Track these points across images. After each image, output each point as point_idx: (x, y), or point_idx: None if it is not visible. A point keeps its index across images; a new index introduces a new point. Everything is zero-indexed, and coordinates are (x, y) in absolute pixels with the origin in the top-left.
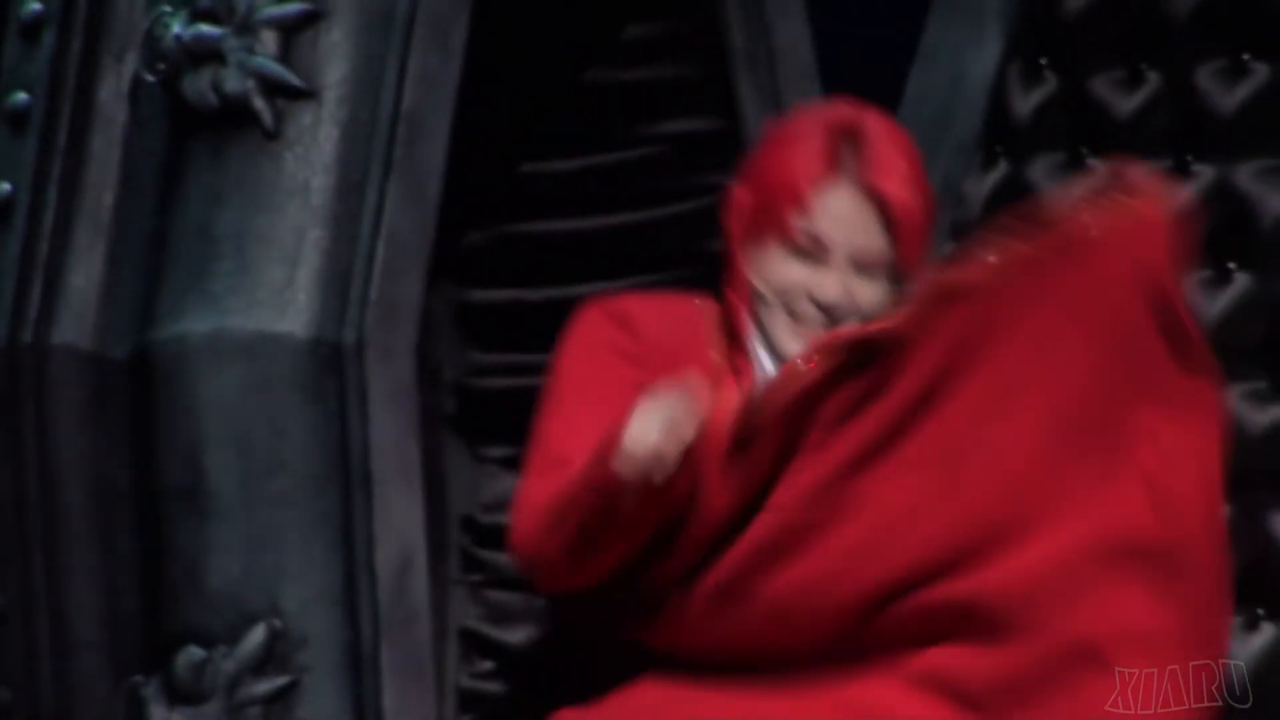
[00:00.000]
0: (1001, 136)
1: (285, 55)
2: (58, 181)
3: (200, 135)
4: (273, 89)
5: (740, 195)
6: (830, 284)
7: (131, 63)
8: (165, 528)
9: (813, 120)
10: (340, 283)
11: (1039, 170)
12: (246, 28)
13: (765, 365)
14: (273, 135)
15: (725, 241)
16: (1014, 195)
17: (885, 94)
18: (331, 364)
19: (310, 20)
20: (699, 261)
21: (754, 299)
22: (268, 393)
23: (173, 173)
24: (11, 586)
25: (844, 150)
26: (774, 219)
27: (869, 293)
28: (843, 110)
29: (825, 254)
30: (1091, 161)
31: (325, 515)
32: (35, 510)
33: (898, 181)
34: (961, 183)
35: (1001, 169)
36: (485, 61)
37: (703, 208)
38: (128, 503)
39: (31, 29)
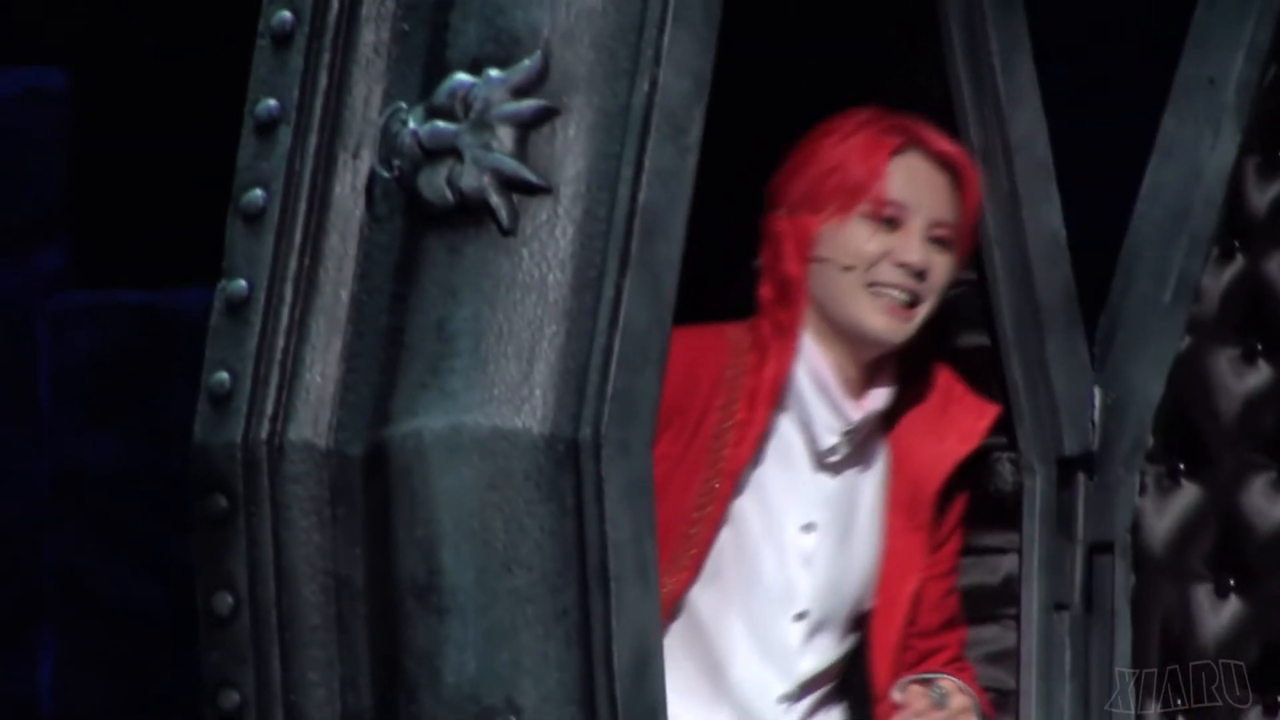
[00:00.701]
0: (1238, 230)
1: (521, 152)
2: (294, 278)
3: (436, 231)
4: (509, 185)
5: (791, 186)
6: (912, 245)
7: (367, 159)
8: (401, 624)
9: (856, 115)
10: (576, 378)
11: (1276, 264)
12: (483, 124)
13: (805, 386)
14: (509, 231)
15: (770, 243)
16: (1251, 290)
17: (1121, 189)
18: (568, 460)
19: (546, 116)
20: (940, 358)
21: (822, 286)
22: (504, 489)
23: (408, 269)
24: (247, 684)
25: (905, 129)
26: (846, 194)
27: (942, 266)
28: (876, 109)
29: (904, 221)
30: None
31: (562, 612)
32: (271, 607)
33: (957, 146)
34: (1198, 277)
35: (1239, 263)
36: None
37: (943, 303)
38: (363, 599)
39: (267, 126)
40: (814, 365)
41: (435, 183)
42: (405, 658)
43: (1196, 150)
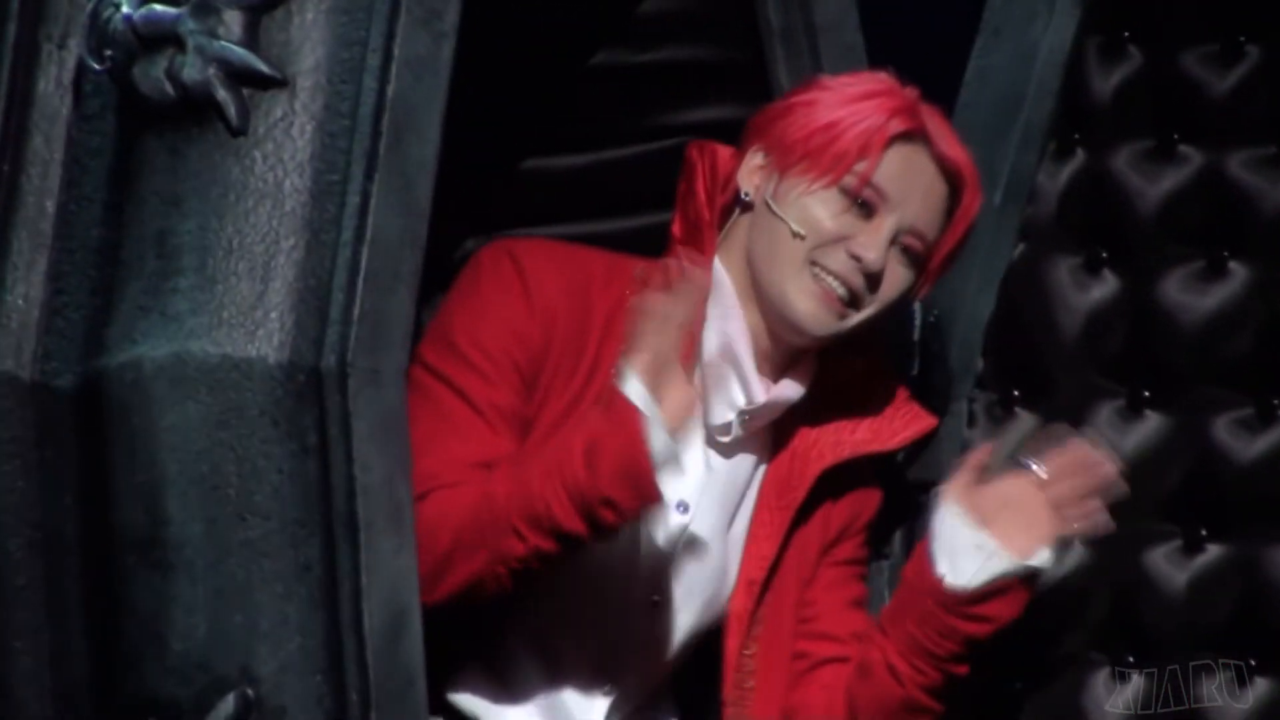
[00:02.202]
0: (1078, 121)
1: (252, 39)
2: None
3: (155, 131)
4: (238, 78)
5: (775, 127)
6: (875, 242)
7: (75, 50)
8: (120, 583)
9: (873, 78)
10: (318, 298)
11: (1122, 160)
12: (207, 7)
13: (710, 343)
14: (239, 131)
15: (705, 173)
16: (1093, 189)
17: (942, 76)
18: (309, 392)
19: None
20: None
21: (762, 243)
22: (236, 426)
23: (123, 175)
24: None
25: (917, 119)
26: (830, 159)
27: (898, 280)
28: (889, 78)
29: (877, 212)
30: (1184, 149)
31: (304, 567)
32: None
33: (970, 167)
34: (1033, 175)
35: (1079, 159)
36: (480, 43)
37: None
38: (75, 555)
39: None
40: (728, 329)
41: (153, 76)
42: (125, 621)
43: (1029, 29)
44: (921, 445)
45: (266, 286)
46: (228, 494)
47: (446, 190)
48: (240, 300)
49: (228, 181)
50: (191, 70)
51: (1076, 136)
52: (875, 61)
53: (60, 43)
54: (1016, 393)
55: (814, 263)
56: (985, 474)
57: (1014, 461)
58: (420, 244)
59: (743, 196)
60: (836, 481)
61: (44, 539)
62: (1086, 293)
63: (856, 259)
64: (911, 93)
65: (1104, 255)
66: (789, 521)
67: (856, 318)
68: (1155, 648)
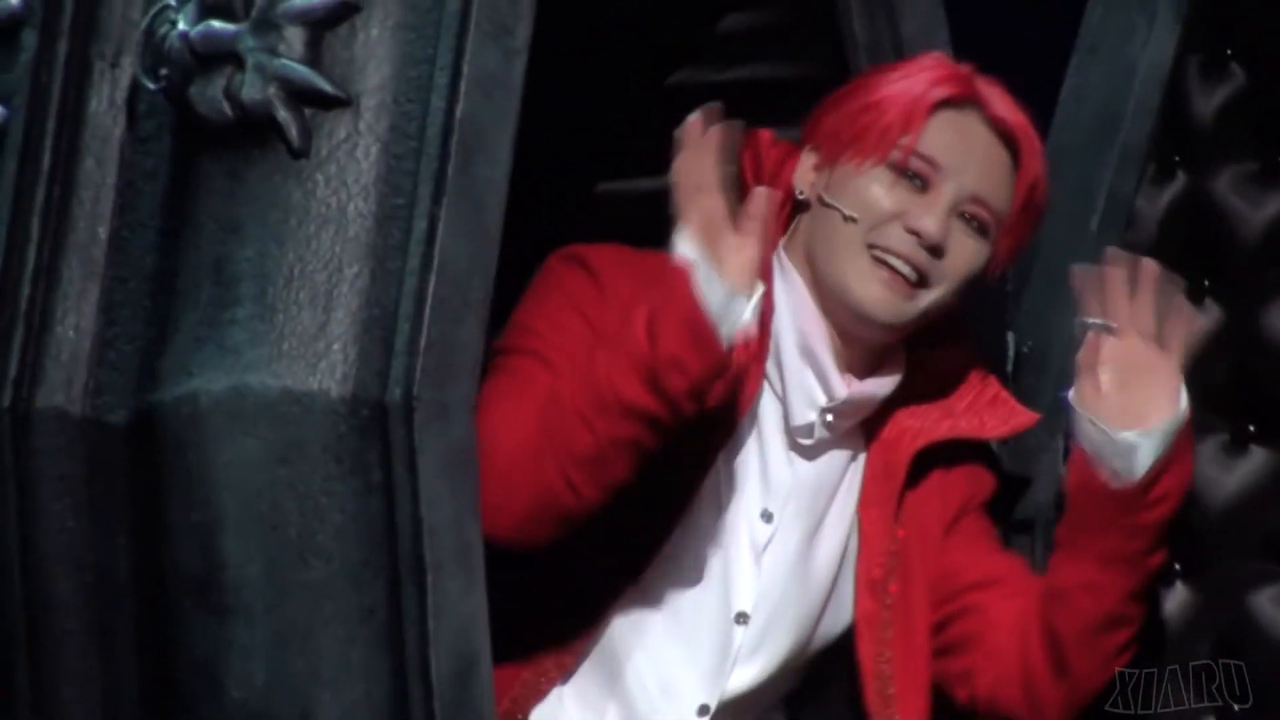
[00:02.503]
0: (1179, 142)
1: (314, 56)
2: (41, 212)
3: (213, 153)
4: (300, 97)
5: (826, 117)
6: (932, 213)
7: (129, 68)
8: (175, 627)
9: (925, 59)
10: (383, 329)
11: (1225, 183)
12: (267, 23)
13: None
14: (300, 152)
15: (761, 163)
16: (1196, 214)
17: (1036, 94)
18: (374, 427)
19: (344, 13)
20: None
21: (820, 236)
22: (298, 463)
23: (180, 199)
24: None
25: (968, 85)
26: (875, 136)
27: (967, 252)
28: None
29: (933, 183)
30: None
31: (369, 610)
32: (18, 607)
33: (1025, 119)
34: (1132, 199)
35: (1180, 182)
36: (554, 59)
37: None
38: (128, 597)
39: (8, 29)
40: (803, 324)
41: (211, 95)
42: (181, 667)
43: (1127, 46)
44: (1021, 486)
45: (329, 316)
46: (288, 534)
47: (518, 213)
48: (301, 331)
49: (288, 206)
50: (251, 89)
51: (1177, 158)
52: None
53: (113, 61)
54: None
55: (872, 245)
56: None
57: (1090, 332)
58: (490, 271)
59: (798, 196)
60: (945, 463)
61: (95, 581)
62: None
63: (915, 233)
64: (964, 66)
65: (1206, 283)
66: (893, 513)
67: (928, 298)
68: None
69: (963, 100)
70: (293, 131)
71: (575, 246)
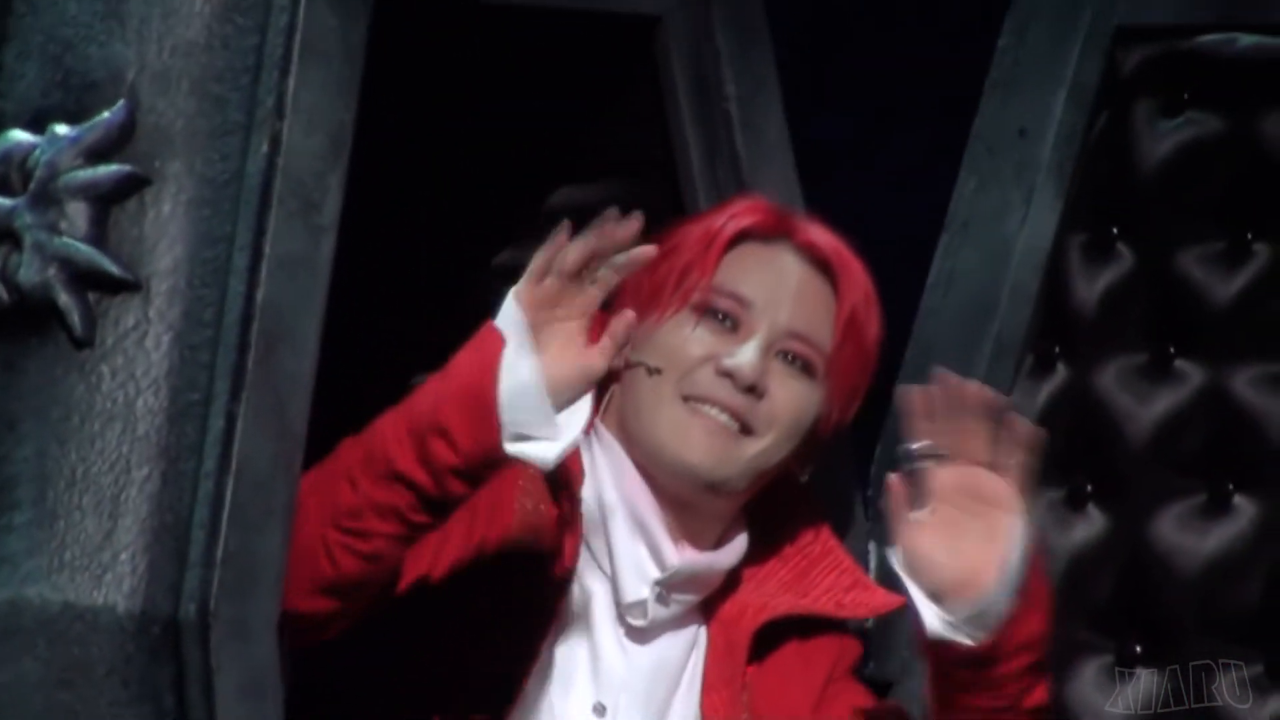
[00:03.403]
0: (1060, 332)
1: (100, 235)
2: None
3: None
4: (84, 280)
5: (632, 277)
6: (744, 350)
7: None
8: None
9: (735, 200)
10: (176, 538)
11: (1110, 377)
12: (47, 198)
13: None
14: (84, 342)
15: None
16: (1077, 411)
17: (902, 278)
18: (166, 647)
19: (132, 187)
20: None
21: (628, 399)
22: (81, 686)
23: None
24: None
25: (779, 218)
26: (674, 281)
27: (792, 394)
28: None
29: (743, 322)
30: (1181, 365)
31: None
32: None
33: (840, 243)
34: (1008, 394)
35: (1061, 376)
36: (360, 239)
37: None
38: None
39: None
40: (629, 493)
41: None
42: None
43: (1003, 224)
44: (883, 645)
45: (115, 524)
46: None
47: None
48: (85, 539)
49: (70, 401)
50: (29, 271)
51: (1057, 349)
52: None
53: None
54: None
55: (686, 396)
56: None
57: (914, 468)
58: (295, 474)
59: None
60: (799, 634)
61: None
62: (1069, 533)
63: (728, 375)
64: (777, 205)
65: (1089, 488)
66: (738, 697)
67: (754, 448)
68: None
69: (768, 232)
70: (75, 318)
71: None
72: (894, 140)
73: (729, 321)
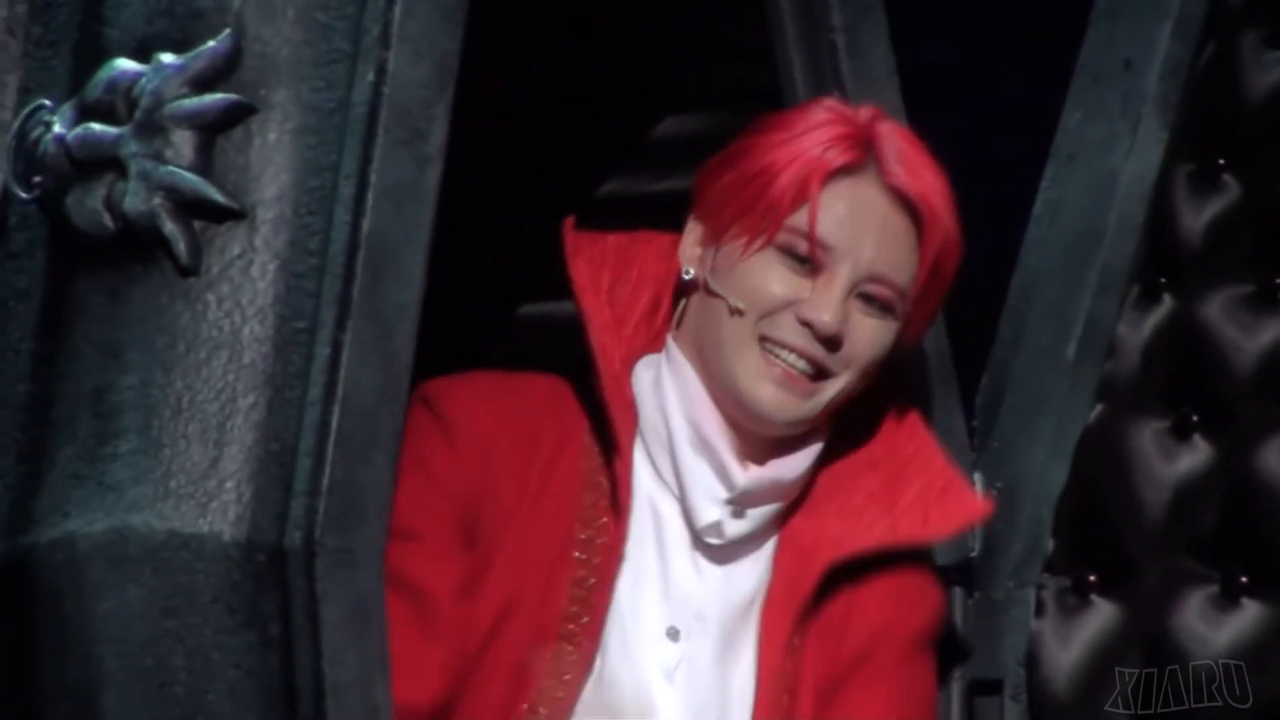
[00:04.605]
0: (1166, 263)
1: (205, 163)
2: None
3: (92, 271)
4: (189, 208)
5: (711, 182)
6: (825, 300)
7: None
8: None
9: (819, 107)
10: (281, 466)
11: (1216, 308)
12: (153, 126)
13: (688, 465)
14: (190, 270)
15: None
16: (1183, 341)
17: (1007, 209)
18: (271, 575)
19: (238, 116)
20: None
21: (706, 327)
22: (186, 614)
23: (55, 322)
24: None
25: (865, 144)
26: (761, 213)
27: (870, 334)
28: (848, 106)
29: (825, 266)
30: None
31: None
32: None
33: (928, 182)
34: (1113, 326)
35: (1166, 307)
36: (479, 171)
37: None
38: None
39: None
40: (694, 413)
41: (90, 206)
42: None
43: (1109, 156)
44: (981, 642)
45: (221, 452)
46: (175, 693)
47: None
48: (190, 467)
49: (176, 329)
50: (134, 200)
51: (1163, 280)
52: None
53: None
54: (1092, 578)
55: (764, 338)
56: None
57: None
58: (401, 402)
59: (684, 276)
60: (865, 579)
61: None
62: (1174, 462)
63: (808, 324)
64: (864, 114)
65: (1195, 419)
66: (788, 634)
67: (829, 391)
68: None
69: (858, 165)
70: (181, 247)
71: (431, 385)
72: (1000, 69)
73: (810, 264)
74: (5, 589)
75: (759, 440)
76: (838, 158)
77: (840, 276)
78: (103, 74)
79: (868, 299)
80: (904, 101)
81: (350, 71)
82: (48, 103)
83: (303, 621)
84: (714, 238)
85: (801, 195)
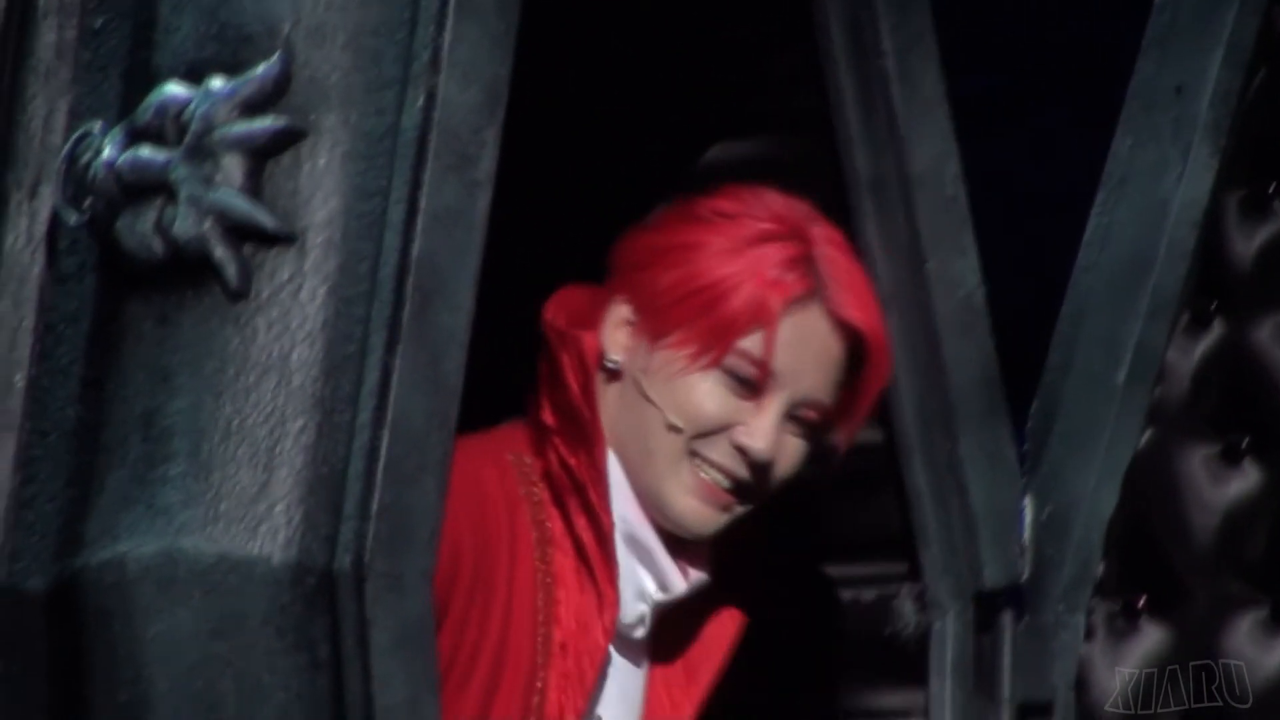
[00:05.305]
0: (1217, 288)
1: (255, 187)
2: None
3: (142, 295)
4: (239, 233)
5: (643, 271)
6: (763, 429)
7: (48, 199)
8: None
9: (754, 209)
10: (331, 490)
11: (1267, 333)
12: (202, 151)
13: (646, 542)
14: (239, 294)
15: (568, 347)
16: (1233, 366)
17: (1059, 234)
18: (321, 598)
19: (288, 141)
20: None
21: (634, 432)
22: (235, 636)
23: (105, 345)
24: None
25: (810, 264)
26: (710, 332)
27: (793, 455)
28: (785, 206)
29: (765, 391)
30: None
31: None
32: None
33: (871, 311)
34: (1163, 351)
35: (1217, 332)
36: (522, 201)
37: None
38: None
39: None
40: (625, 513)
41: (140, 230)
42: None
43: (1160, 182)
44: (1031, 665)
45: (270, 475)
46: (224, 716)
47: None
48: (240, 491)
49: (226, 354)
50: (184, 224)
51: (1213, 305)
52: (980, 219)
53: (31, 191)
54: (1142, 602)
55: (694, 454)
56: None
57: None
58: (450, 428)
59: (607, 365)
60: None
61: None
62: (1224, 487)
63: (743, 450)
64: (801, 215)
65: (1245, 443)
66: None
67: (747, 507)
68: None
69: (807, 294)
70: (230, 271)
71: None
72: (1050, 96)
73: (750, 386)
74: (56, 611)
75: (687, 550)
76: (794, 286)
77: (777, 403)
78: (153, 98)
79: (798, 421)
80: (954, 129)
81: (400, 97)
82: (98, 127)
83: (352, 645)
84: (651, 337)
85: (756, 321)
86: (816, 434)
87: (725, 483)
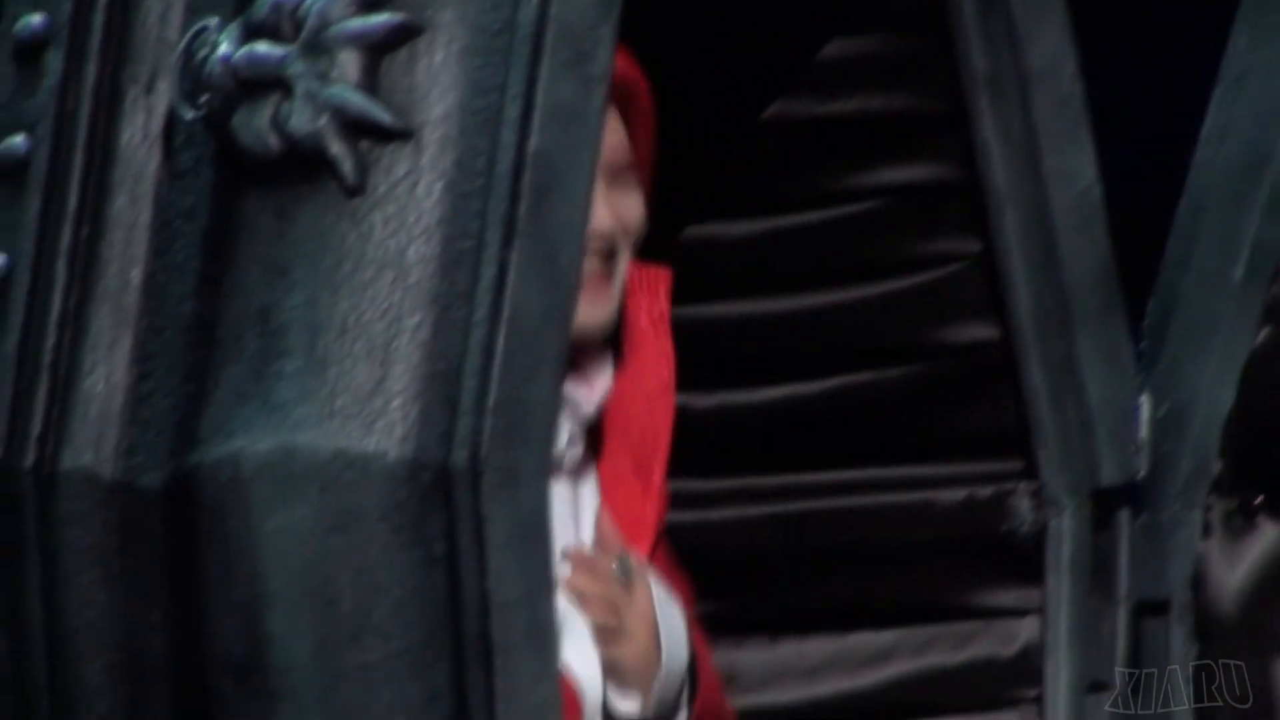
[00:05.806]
0: None
1: (371, 83)
2: (68, 253)
3: (258, 190)
4: (355, 128)
5: None
6: (598, 210)
7: (165, 94)
8: (216, 713)
9: None
10: (447, 385)
11: None
12: (318, 47)
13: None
14: (355, 190)
15: None
16: None
17: (1175, 131)
18: (437, 494)
19: (404, 36)
20: (924, 356)
21: None
22: (352, 532)
23: (221, 241)
24: None
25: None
26: None
27: (633, 206)
28: None
29: None
30: None
31: (431, 696)
32: (43, 689)
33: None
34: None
35: None
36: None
37: (931, 283)
38: (164, 680)
39: (30, 51)
40: None
41: (256, 125)
42: None
43: (1276, 78)
44: (1147, 564)
45: (387, 371)
46: (341, 611)
47: None
48: (356, 387)
49: (342, 249)
50: (300, 119)
51: None
52: (1097, 116)
53: (148, 87)
54: (1260, 499)
55: None
56: None
57: None
58: (566, 322)
59: None
60: None
61: (127, 661)
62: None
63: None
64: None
65: None
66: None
67: (622, 265)
68: None
69: None
70: (347, 167)
71: None
72: None
73: None
74: (171, 508)
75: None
76: None
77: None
78: None
79: (615, 177)
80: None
81: None
82: (214, 23)
83: (468, 540)
84: None
85: None
86: (637, 177)
87: (596, 264)
